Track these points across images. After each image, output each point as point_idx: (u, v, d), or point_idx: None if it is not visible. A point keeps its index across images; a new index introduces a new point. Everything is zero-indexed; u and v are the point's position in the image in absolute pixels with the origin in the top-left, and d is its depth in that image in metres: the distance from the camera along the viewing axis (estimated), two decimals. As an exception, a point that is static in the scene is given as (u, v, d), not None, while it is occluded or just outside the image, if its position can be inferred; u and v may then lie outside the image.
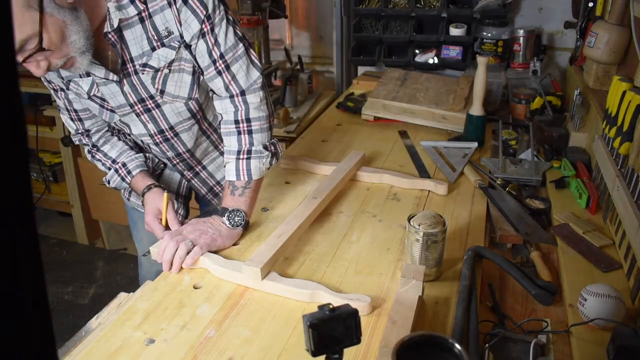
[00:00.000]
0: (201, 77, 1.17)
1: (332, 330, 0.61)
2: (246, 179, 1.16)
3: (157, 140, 1.25)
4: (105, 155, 1.30)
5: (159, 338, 0.88)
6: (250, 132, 1.17)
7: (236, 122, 1.17)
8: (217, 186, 1.42)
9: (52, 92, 1.24)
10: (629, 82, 1.16)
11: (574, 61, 1.87)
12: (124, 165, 1.27)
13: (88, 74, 1.12)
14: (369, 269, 1.05)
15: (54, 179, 2.90)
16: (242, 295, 0.98)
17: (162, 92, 1.16)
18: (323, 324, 0.60)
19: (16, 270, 0.26)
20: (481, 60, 1.54)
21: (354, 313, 0.62)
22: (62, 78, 1.15)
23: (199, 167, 1.37)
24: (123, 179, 1.28)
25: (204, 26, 1.08)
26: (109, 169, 1.30)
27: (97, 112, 1.22)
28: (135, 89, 1.15)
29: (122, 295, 1.00)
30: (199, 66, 1.14)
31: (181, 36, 1.09)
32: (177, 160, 1.32)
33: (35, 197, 2.74)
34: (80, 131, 1.29)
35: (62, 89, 1.20)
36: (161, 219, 1.17)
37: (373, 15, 2.29)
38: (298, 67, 2.45)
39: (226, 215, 1.12)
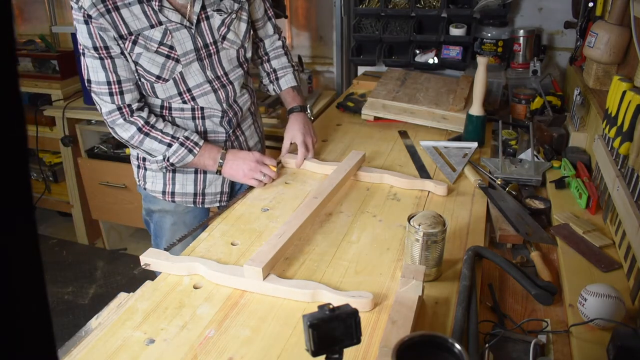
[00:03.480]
0: (250, 30, 1.43)
1: (332, 330, 0.61)
2: (297, 85, 1.59)
3: (216, 86, 1.37)
4: (162, 131, 1.31)
5: (159, 338, 0.88)
6: (290, 54, 1.63)
7: (284, 46, 1.60)
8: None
9: (91, 67, 1.23)
10: (629, 82, 1.16)
11: (574, 61, 1.87)
12: (187, 138, 1.33)
13: (160, 23, 1.23)
14: (369, 269, 1.05)
15: (54, 179, 2.90)
16: (242, 295, 0.98)
17: (223, 37, 1.34)
18: (323, 323, 0.60)
19: (16, 270, 0.26)
20: (481, 60, 1.54)
21: (354, 313, 0.62)
22: (130, 34, 1.20)
23: (239, 130, 1.50)
24: (190, 151, 1.32)
25: None
26: (169, 145, 1.31)
27: (155, 69, 1.26)
28: (203, 35, 1.30)
29: (122, 295, 1.00)
30: (251, 17, 1.43)
31: None
32: (230, 115, 1.43)
33: (35, 197, 2.74)
34: (120, 106, 1.27)
35: (111, 57, 1.22)
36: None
37: (373, 15, 2.29)
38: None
39: (309, 108, 1.59)
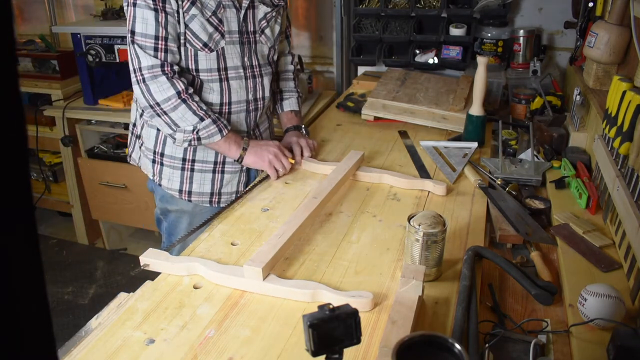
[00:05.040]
0: (280, 35, 1.51)
1: (332, 330, 0.61)
2: (298, 110, 1.66)
3: (248, 75, 1.43)
4: (198, 103, 1.32)
5: (159, 338, 0.88)
6: (297, 80, 1.70)
7: (293, 72, 1.67)
8: None
9: (141, 18, 1.24)
10: (629, 82, 1.16)
11: (574, 61, 1.87)
12: (218, 118, 1.36)
13: None
14: (369, 269, 1.05)
15: (54, 179, 2.90)
16: (242, 295, 0.98)
17: (262, 31, 1.43)
18: (323, 323, 0.60)
19: (16, 270, 0.26)
20: (481, 60, 1.54)
21: (354, 313, 0.62)
22: None
23: (258, 131, 1.55)
24: (220, 131, 1.34)
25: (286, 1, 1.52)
26: (202, 119, 1.32)
27: (204, 35, 1.31)
28: (247, 21, 1.39)
29: (122, 295, 1.00)
30: (282, 26, 1.51)
31: None
32: (253, 107, 1.47)
33: (35, 197, 2.74)
34: (164, 63, 1.28)
35: (165, 12, 1.25)
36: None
37: (373, 15, 2.29)
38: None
39: (303, 128, 1.60)
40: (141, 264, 1.06)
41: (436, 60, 2.22)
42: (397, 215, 1.24)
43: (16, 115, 0.25)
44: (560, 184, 1.35)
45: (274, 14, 1.44)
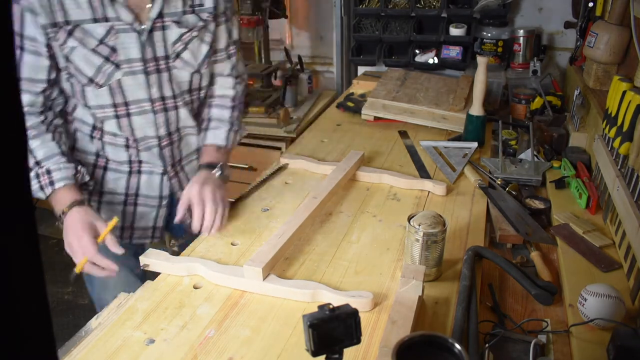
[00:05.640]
0: (211, 56, 1.26)
1: (332, 330, 0.61)
2: (230, 147, 1.33)
3: (158, 108, 1.19)
4: (31, 151, 1.09)
5: (159, 338, 0.88)
6: (240, 111, 1.38)
7: (233, 99, 1.34)
8: None
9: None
10: (629, 82, 1.16)
11: (574, 61, 1.87)
12: (48, 172, 1.08)
13: (106, 19, 1.07)
14: (369, 269, 1.05)
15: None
16: (242, 295, 0.98)
17: (177, 55, 1.18)
18: (323, 323, 0.60)
19: (16, 270, 0.26)
20: (481, 60, 1.54)
21: (354, 313, 0.62)
22: (67, 23, 1.04)
23: (179, 166, 1.31)
24: (41, 189, 1.08)
25: (230, 11, 1.26)
26: (30, 169, 1.09)
27: (88, 69, 1.09)
28: (154, 45, 1.14)
29: (122, 295, 1.00)
30: (213, 45, 1.25)
31: (214, 8, 1.19)
32: (167, 142, 1.24)
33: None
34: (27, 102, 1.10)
35: (22, 49, 1.04)
36: (96, 237, 1.05)
37: (373, 15, 2.29)
38: (298, 67, 2.45)
39: (218, 167, 1.25)
40: (141, 264, 1.06)
41: (436, 60, 2.22)
42: (397, 215, 1.24)
43: (16, 116, 0.25)
44: (560, 184, 1.35)
45: (194, 34, 1.18)
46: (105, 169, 1.24)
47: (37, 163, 1.09)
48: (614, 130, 1.17)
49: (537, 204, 1.29)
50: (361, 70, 2.50)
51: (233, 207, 1.29)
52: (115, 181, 1.25)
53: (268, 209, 1.28)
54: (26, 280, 0.27)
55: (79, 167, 1.14)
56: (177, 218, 1.17)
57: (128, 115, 1.17)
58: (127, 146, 1.21)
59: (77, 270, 1.05)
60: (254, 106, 2.25)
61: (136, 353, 0.85)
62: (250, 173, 2.17)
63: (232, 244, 1.14)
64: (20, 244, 0.26)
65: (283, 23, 2.58)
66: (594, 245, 1.10)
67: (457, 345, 0.63)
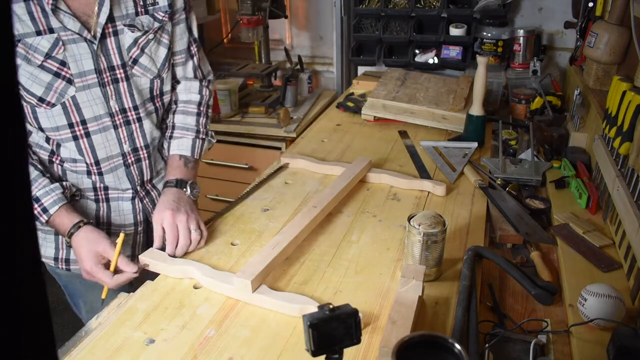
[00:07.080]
0: (170, 58, 1.18)
1: (332, 330, 0.61)
2: (196, 157, 1.22)
3: (119, 122, 1.10)
4: None
5: (159, 338, 0.88)
6: (207, 117, 1.28)
7: (199, 104, 1.25)
8: None
9: None
10: (629, 82, 1.16)
11: (574, 61, 1.87)
12: (37, 200, 1.02)
13: (51, 30, 0.96)
14: (369, 269, 1.05)
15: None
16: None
17: (135, 61, 1.09)
18: (323, 324, 0.60)
19: (16, 270, 0.26)
20: (481, 60, 1.54)
21: (354, 313, 0.62)
22: None
23: (149, 184, 1.24)
24: (36, 218, 1.02)
25: (187, 5, 1.17)
26: None
27: (37, 88, 1.00)
28: (108, 54, 1.05)
29: (122, 295, 1.00)
30: (171, 47, 1.17)
31: (169, 6, 1.11)
32: (133, 159, 1.16)
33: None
34: None
35: None
36: (106, 264, 1.02)
37: (373, 15, 2.29)
38: (298, 67, 2.45)
39: (188, 185, 1.16)
40: (140, 263, 1.06)
41: (436, 60, 2.22)
42: (397, 215, 1.24)
43: (16, 115, 0.25)
44: (560, 184, 1.35)
45: (150, 36, 1.09)
46: (72, 196, 1.12)
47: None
48: (614, 130, 1.17)
49: (537, 204, 1.29)
50: (361, 70, 2.50)
51: (233, 207, 1.29)
52: (85, 210, 1.15)
53: (268, 209, 1.28)
54: (26, 280, 0.27)
55: (63, 183, 1.08)
56: (155, 246, 1.09)
57: (87, 135, 1.08)
58: (89, 172, 1.12)
59: (103, 297, 1.05)
60: (254, 106, 2.25)
61: (136, 353, 0.85)
62: (250, 173, 2.18)
63: (232, 244, 1.14)
64: (20, 243, 0.26)
65: (283, 23, 2.58)
66: (594, 245, 1.10)
67: (457, 346, 0.63)
